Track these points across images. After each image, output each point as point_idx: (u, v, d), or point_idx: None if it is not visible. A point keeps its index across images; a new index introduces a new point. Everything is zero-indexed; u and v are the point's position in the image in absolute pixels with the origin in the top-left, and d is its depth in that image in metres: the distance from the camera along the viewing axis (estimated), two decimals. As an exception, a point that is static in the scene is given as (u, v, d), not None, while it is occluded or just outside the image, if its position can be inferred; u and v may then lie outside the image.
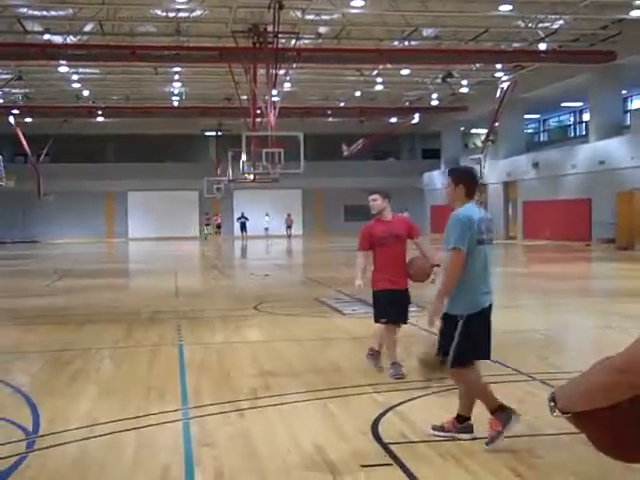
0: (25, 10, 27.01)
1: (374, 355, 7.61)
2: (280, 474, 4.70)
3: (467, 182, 5.40)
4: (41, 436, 5.54)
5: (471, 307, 5.19)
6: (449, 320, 5.21)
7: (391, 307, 7.26)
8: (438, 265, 7.16)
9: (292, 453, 5.08)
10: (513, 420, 5.11)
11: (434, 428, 5.38)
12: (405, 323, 7.52)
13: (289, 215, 51.61)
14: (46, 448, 5.26)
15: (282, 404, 6.38)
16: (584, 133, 41.50)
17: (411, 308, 7.68)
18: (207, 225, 50.13)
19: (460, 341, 5.14)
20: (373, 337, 7.74)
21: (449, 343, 5.18)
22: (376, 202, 7.35)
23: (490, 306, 5.37)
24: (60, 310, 13.46)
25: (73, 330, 10.93)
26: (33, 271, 24.30)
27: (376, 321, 7.48)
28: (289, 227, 51.08)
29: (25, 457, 5.06)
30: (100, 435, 5.53)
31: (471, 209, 5.29)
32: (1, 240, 49.58)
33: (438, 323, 5.31)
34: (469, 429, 5.33)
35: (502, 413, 5.14)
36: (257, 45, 29.06)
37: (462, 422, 5.34)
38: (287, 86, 37.85)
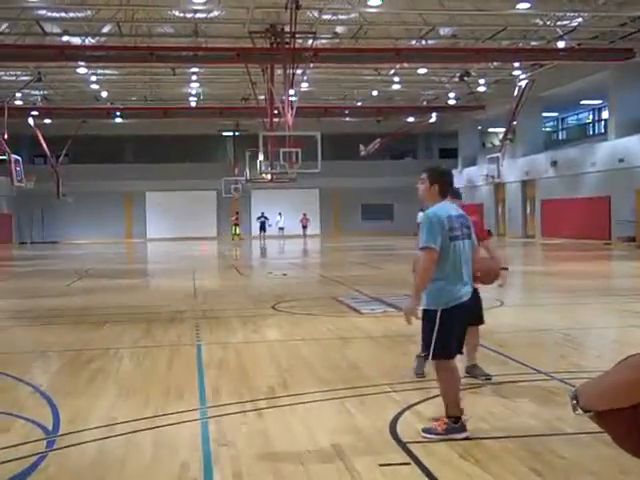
0: (44, 12, 27.19)
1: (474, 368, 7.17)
2: (298, 473, 4.70)
3: (442, 183, 5.56)
4: (61, 435, 5.56)
5: (447, 302, 5.29)
6: (427, 316, 5.34)
7: None
8: (506, 268, 7.22)
9: (310, 452, 5.07)
10: (457, 434, 5.21)
11: (424, 430, 5.36)
12: None
13: (304, 215, 51.20)
14: (66, 447, 5.28)
15: (300, 403, 6.37)
16: (603, 131, 41.17)
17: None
18: (235, 225, 49.91)
19: (439, 335, 5.26)
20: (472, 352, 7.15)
21: (429, 338, 5.31)
22: None
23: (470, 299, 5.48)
24: (80, 310, 13.53)
25: (92, 330, 10.97)
26: (52, 271, 24.42)
27: None
28: (305, 227, 50.65)
29: (45, 456, 5.08)
30: (119, 434, 5.55)
31: (442, 208, 5.43)
32: (21, 241, 50.06)
33: (413, 321, 5.37)
34: (462, 428, 5.30)
35: (455, 423, 5.25)
36: (274, 45, 29.12)
37: (456, 422, 5.30)
38: (304, 86, 37.84)
